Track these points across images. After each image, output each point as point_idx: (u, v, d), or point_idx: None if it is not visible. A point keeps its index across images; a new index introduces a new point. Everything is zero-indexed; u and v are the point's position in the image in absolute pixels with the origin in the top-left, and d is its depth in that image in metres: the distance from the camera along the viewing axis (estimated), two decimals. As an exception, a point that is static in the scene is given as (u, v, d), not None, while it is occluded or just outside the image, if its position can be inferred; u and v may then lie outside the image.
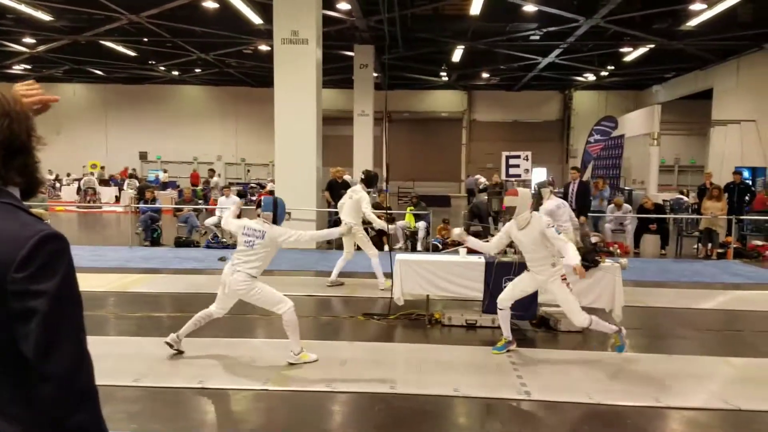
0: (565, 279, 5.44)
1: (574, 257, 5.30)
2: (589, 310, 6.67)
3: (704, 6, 17.83)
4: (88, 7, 18.60)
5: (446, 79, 30.52)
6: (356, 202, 8.27)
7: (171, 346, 5.31)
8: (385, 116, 11.58)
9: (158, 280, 8.98)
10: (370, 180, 8.82)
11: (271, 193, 11.61)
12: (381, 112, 32.81)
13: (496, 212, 7.00)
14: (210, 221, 12.60)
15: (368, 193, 8.84)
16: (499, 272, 6.55)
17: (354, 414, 4.51)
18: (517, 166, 6.77)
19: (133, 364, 5.14)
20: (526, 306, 6.53)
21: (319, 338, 6.07)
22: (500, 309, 5.75)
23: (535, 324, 6.72)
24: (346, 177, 12.97)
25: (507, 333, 5.77)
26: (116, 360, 5.17)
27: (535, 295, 6.52)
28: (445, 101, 35.13)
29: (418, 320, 6.84)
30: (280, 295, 5.30)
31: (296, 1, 11.82)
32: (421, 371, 5.17)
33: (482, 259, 6.71)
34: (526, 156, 6.79)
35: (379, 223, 8.67)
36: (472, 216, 12.47)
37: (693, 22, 19.46)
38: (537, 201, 6.55)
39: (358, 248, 8.64)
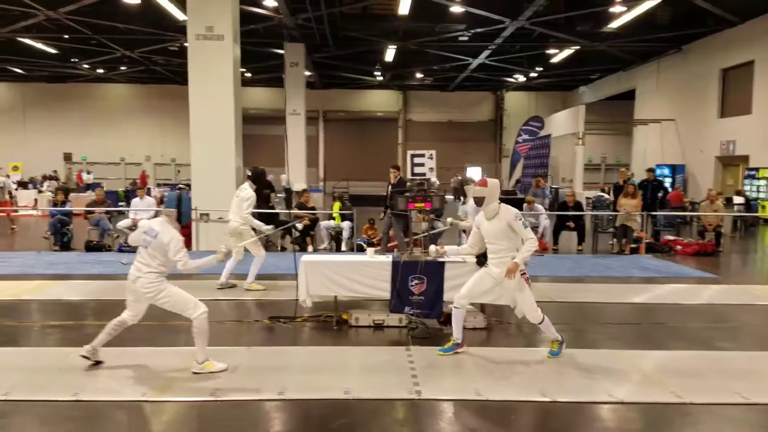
0: (524, 274, 5.39)
1: (522, 254, 5.30)
2: (497, 308, 6.82)
3: (624, 8, 18.45)
4: (2, 2, 17.67)
5: (381, 78, 30.61)
6: (241, 201, 8.03)
7: (87, 358, 4.97)
8: (321, 116, 11.27)
9: (59, 287, 8.51)
10: (257, 177, 8.39)
11: (304, 191, 11.07)
12: (314, 111, 32.73)
13: (403, 212, 6.93)
14: (122, 224, 12.11)
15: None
16: (405, 271, 6.49)
17: (236, 423, 4.33)
18: (422, 164, 6.73)
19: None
20: (433, 304, 6.53)
21: (220, 344, 5.84)
22: (455, 308, 5.62)
23: (443, 322, 6.69)
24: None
25: (457, 334, 5.62)
26: None
27: (440, 292, 6.52)
28: (380, 101, 35.21)
29: (326, 322, 6.71)
30: (193, 298, 5.04)
31: (211, -4, 11.51)
32: (315, 375, 5.03)
33: (388, 258, 6.65)
34: (431, 155, 6.77)
35: (258, 225, 8.25)
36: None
37: (614, 24, 20.16)
38: (459, 198, 6.51)
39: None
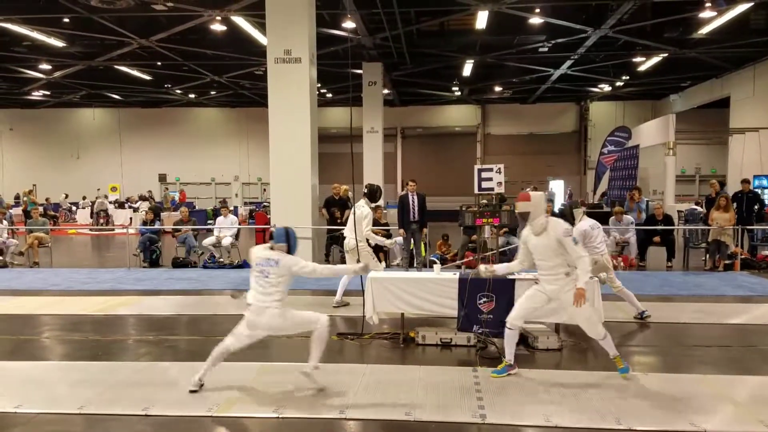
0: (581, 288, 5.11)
1: (583, 277, 5.02)
2: (571, 328, 6.53)
3: (714, 13, 17.47)
4: (100, 32, 19.00)
5: (459, 93, 30.43)
6: (359, 218, 8.00)
7: (195, 391, 5.02)
8: (399, 133, 11.33)
9: (144, 302, 8.94)
10: (372, 194, 8.54)
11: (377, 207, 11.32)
12: (392, 129, 32.97)
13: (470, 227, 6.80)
14: (207, 241, 12.60)
15: (372, 208, 8.54)
16: (473, 289, 6.35)
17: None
18: (490, 179, 6.57)
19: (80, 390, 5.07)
20: (502, 324, 6.31)
21: (287, 359, 5.92)
22: (508, 329, 5.46)
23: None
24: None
25: (510, 356, 5.46)
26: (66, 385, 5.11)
27: (510, 311, 6.31)
28: (458, 116, 35.01)
29: (392, 340, 6.66)
30: (310, 312, 5.21)
31: (289, 21, 11.85)
32: (378, 394, 4.98)
33: (455, 276, 6.53)
34: (499, 169, 6.60)
35: (378, 240, 8.41)
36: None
37: (704, 30, 19.08)
38: (569, 222, 6.25)
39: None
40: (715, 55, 22.46)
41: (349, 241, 8.12)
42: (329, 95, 29.84)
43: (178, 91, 29.83)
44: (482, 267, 5.93)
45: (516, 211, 5.42)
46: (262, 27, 17.22)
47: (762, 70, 23.20)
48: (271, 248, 5.09)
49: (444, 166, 33.20)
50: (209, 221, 19.42)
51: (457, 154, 33.55)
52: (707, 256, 11.72)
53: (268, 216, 12.86)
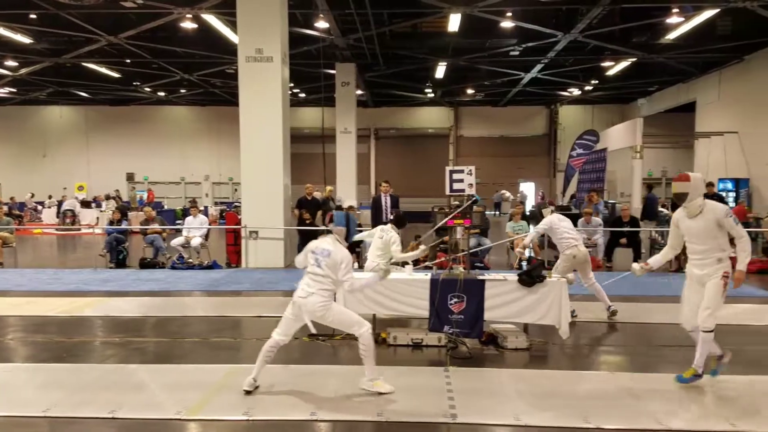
0: (726, 277, 4.97)
1: (744, 259, 4.90)
2: (538, 327, 6.61)
3: (681, 19, 17.85)
4: (67, 29, 18.62)
5: (432, 95, 30.59)
6: (385, 243, 7.69)
7: (249, 392, 4.94)
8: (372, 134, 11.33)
9: (110, 304, 8.77)
10: (399, 220, 8.06)
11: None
12: (365, 129, 32.98)
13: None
14: (176, 242, 12.44)
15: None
16: (444, 289, 6.38)
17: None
18: (461, 180, 6.61)
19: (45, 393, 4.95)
20: (473, 323, 6.38)
21: (254, 361, 5.86)
22: (691, 332, 5.22)
23: (484, 342, 6.53)
24: (316, 194, 12.80)
25: (699, 362, 5.09)
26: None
27: (481, 311, 6.37)
28: (431, 117, 35.19)
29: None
30: (357, 316, 5.14)
31: (260, 19, 11.77)
32: (349, 395, 4.97)
33: (427, 276, 6.55)
34: (470, 171, 6.63)
35: (411, 256, 8.16)
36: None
37: (672, 36, 19.51)
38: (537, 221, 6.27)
39: None
40: (682, 60, 22.98)
41: (371, 264, 7.81)
42: (302, 95, 29.71)
43: (148, 89, 29.38)
44: (636, 266, 5.58)
45: (673, 191, 5.21)
46: (233, 25, 17.08)
47: (727, 75, 23.80)
48: (329, 232, 5.07)
49: (417, 167, 33.33)
50: (178, 221, 19.16)
51: (430, 155, 33.70)
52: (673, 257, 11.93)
53: (239, 216, 12.74)
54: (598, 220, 12.45)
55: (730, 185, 21.80)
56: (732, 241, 5.07)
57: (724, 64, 23.26)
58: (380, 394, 4.90)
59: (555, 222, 7.36)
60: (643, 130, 21.39)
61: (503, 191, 30.66)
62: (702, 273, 5.00)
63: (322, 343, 6.56)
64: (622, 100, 33.26)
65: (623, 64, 23.93)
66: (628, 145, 22.12)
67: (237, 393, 4.93)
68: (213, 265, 12.17)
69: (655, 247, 12.53)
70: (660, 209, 17.48)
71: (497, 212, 31.02)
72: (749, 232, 14.14)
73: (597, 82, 27.53)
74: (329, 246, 5.01)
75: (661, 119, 28.89)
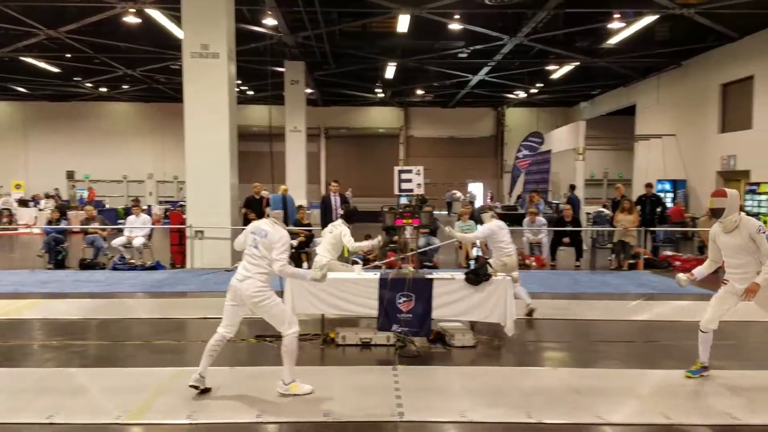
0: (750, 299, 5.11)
1: (763, 275, 4.92)
2: (486, 325, 6.72)
3: (623, 24, 18.45)
4: (4, 22, 17.83)
5: (382, 95, 30.69)
6: (336, 237, 7.72)
7: (197, 387, 4.83)
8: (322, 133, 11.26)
9: (49, 306, 8.44)
10: (350, 216, 8.15)
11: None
12: (315, 128, 32.80)
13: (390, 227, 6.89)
14: (117, 241, 12.08)
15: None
16: (392, 289, 6.41)
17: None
18: (410, 180, 6.66)
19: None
20: (421, 322, 6.43)
21: (195, 364, 5.76)
22: (702, 332, 5.34)
23: (432, 340, 6.59)
24: (264, 193, 12.64)
25: (704, 358, 5.37)
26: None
27: (429, 310, 6.43)
28: (381, 117, 35.31)
29: (312, 341, 6.61)
30: (291, 315, 5.04)
31: (206, 15, 11.56)
32: (296, 396, 4.92)
33: (376, 275, 6.57)
34: (418, 170, 6.69)
35: (366, 246, 8.13)
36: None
37: (613, 40, 20.14)
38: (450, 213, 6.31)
39: None
40: (623, 64, 23.77)
41: (320, 259, 7.76)
42: (250, 92, 29.33)
43: (89, 85, 28.46)
44: (683, 276, 5.54)
45: (710, 206, 5.28)
46: (178, 20, 16.69)
47: (665, 79, 24.74)
48: (268, 216, 4.98)
49: (368, 167, 33.41)
50: (120, 221, 18.59)
51: (381, 155, 33.82)
52: (613, 256, 12.36)
53: (184, 216, 12.47)
54: (542, 219, 12.76)
55: (668, 186, 22.66)
56: None
57: (663, 69, 24.18)
58: (296, 395, 4.84)
59: (495, 230, 7.49)
60: (585, 133, 22.05)
61: (454, 191, 31.05)
62: (743, 287, 5.08)
63: (269, 344, 6.48)
64: (566, 103, 34.16)
65: (567, 68, 24.59)
66: (571, 147, 22.76)
67: (181, 396, 4.82)
68: (156, 266, 11.87)
69: (596, 246, 12.92)
70: (600, 209, 18.06)
71: (449, 212, 31.41)
72: (685, 232, 14.80)
73: (542, 85, 28.20)
74: (267, 227, 4.93)
75: (603, 122, 29.80)
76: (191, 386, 4.82)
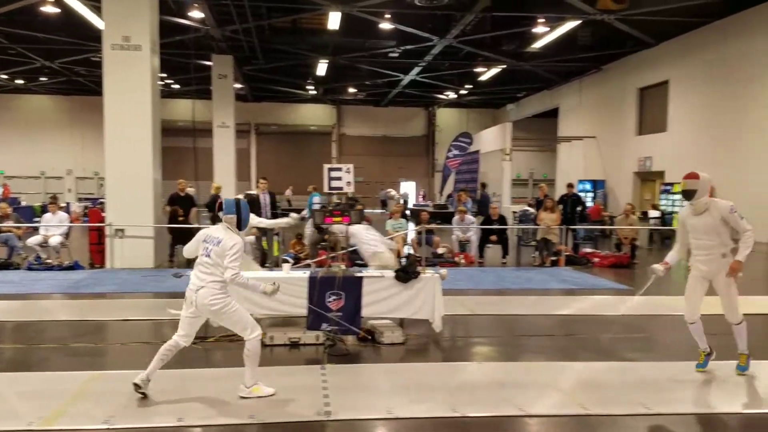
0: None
1: (743, 251, 5.04)
2: (413, 322, 6.78)
3: (547, 29, 19.08)
4: None
5: (314, 92, 30.52)
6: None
7: (139, 386, 4.62)
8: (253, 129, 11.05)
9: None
10: (251, 202, 8.13)
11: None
12: (245, 124, 32.24)
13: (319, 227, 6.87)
14: (33, 240, 11.47)
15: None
16: (322, 287, 6.38)
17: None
18: (339, 178, 6.65)
19: None
20: (351, 320, 6.43)
21: (119, 367, 5.55)
22: (691, 324, 5.39)
23: (361, 338, 6.59)
24: (189, 190, 12.32)
25: (704, 345, 5.43)
26: None
27: (359, 308, 6.44)
28: (314, 115, 35.11)
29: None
30: (251, 318, 4.86)
31: (128, 5, 11.15)
32: (220, 398, 4.82)
33: (305, 274, 6.52)
34: (348, 169, 6.69)
35: (277, 222, 8.15)
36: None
37: (538, 45, 20.82)
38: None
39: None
40: (546, 68, 24.62)
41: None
42: (176, 86, 28.50)
43: (4, 77, 27.02)
44: (659, 267, 5.47)
45: (682, 188, 5.30)
46: (99, 11, 16.05)
47: (587, 83, 25.78)
48: (220, 220, 4.82)
49: (300, 164, 33.12)
50: (36, 218, 17.65)
51: (313, 152, 33.63)
52: (537, 253, 12.77)
53: (104, 213, 11.97)
54: (470, 218, 13.04)
55: (588, 186, 23.62)
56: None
57: (584, 73, 25.19)
58: (260, 397, 4.77)
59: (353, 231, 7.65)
60: (512, 134, 22.74)
61: (389, 190, 31.21)
62: (707, 269, 5.23)
63: (193, 346, 6.30)
64: (494, 104, 35.04)
65: (494, 71, 25.23)
66: (498, 147, 23.40)
67: (98, 401, 4.62)
68: (74, 266, 11.34)
69: (521, 244, 13.31)
70: (526, 208, 18.61)
71: (384, 210, 31.62)
72: (603, 230, 15.47)
73: (471, 86, 28.83)
74: (220, 234, 4.77)
75: (529, 124, 30.78)
76: (134, 384, 4.66)
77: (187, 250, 5.07)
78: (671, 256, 5.56)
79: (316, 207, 9.94)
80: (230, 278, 4.64)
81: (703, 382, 5.28)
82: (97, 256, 11.75)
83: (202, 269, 4.74)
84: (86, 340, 6.54)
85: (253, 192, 8.72)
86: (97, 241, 11.77)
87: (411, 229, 13.57)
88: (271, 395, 4.81)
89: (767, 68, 16.52)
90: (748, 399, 4.95)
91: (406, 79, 26.81)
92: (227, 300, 4.73)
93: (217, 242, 4.71)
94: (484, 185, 18.71)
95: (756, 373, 5.34)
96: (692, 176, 5.22)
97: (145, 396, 4.70)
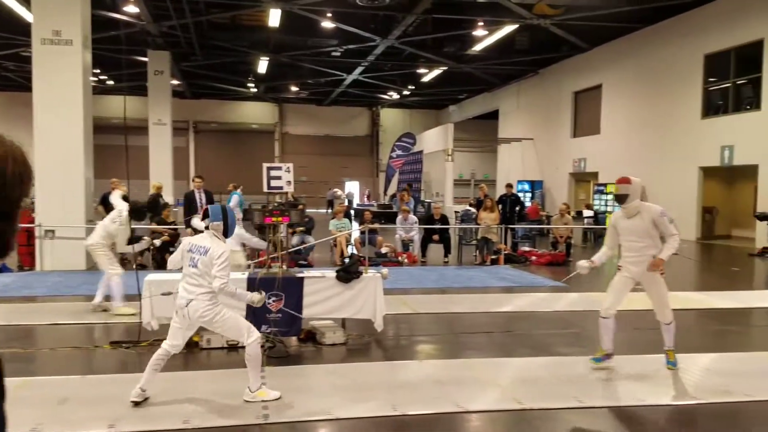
0: (663, 272, 5.33)
1: (666, 251, 5.21)
2: (355, 322, 6.78)
3: (486, 32, 19.43)
4: None
5: (255, 90, 30.07)
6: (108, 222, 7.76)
7: (137, 403, 4.46)
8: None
9: None
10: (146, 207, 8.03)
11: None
12: (183, 122, 31.46)
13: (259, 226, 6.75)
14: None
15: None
16: (261, 288, 6.26)
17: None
18: (279, 178, 6.56)
19: None
20: (291, 321, 6.36)
21: (51, 373, 5.32)
22: (603, 318, 5.47)
23: (302, 339, 6.54)
24: (121, 189, 11.90)
25: (608, 345, 5.49)
26: None
27: (299, 309, 6.38)
28: (255, 113, 34.61)
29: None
30: (247, 322, 4.72)
31: (58, -1, 10.70)
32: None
33: (244, 275, 6.41)
34: (288, 168, 6.60)
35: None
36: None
37: (478, 47, 21.17)
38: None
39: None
40: (487, 71, 25.08)
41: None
42: (110, 82, 27.54)
43: None
44: (584, 263, 5.64)
45: (615, 192, 5.41)
46: (28, 4, 15.33)
47: (525, 86, 26.39)
48: (207, 228, 4.66)
49: (241, 163, 32.53)
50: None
51: (255, 151, 33.12)
52: (477, 252, 12.99)
53: (33, 214, 11.45)
54: (413, 218, 13.15)
55: (527, 186, 24.20)
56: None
57: (522, 76, 25.80)
58: (266, 401, 4.66)
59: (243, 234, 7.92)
60: (453, 135, 23.06)
61: (335, 189, 31.15)
62: (637, 270, 5.38)
63: (126, 351, 6.11)
64: (436, 105, 35.43)
65: (436, 72, 25.52)
66: (441, 148, 23.70)
67: (28, 408, 4.39)
68: (2, 269, 10.79)
69: (462, 243, 13.52)
70: (468, 208, 18.90)
71: (329, 210, 31.49)
72: (541, 229, 15.86)
73: (414, 87, 29.05)
74: (207, 242, 4.63)
75: (470, 125, 31.27)
76: (132, 401, 4.51)
77: (172, 261, 4.95)
78: (598, 257, 5.75)
79: (234, 206, 9.79)
80: (219, 287, 4.54)
81: (633, 376, 5.49)
82: (27, 258, 11.22)
83: (189, 281, 4.62)
84: (15, 346, 6.22)
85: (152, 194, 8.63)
86: (26, 243, 11.24)
87: (354, 229, 13.57)
88: (278, 399, 4.73)
89: (690, 74, 17.34)
90: (676, 392, 5.17)
91: (349, 78, 26.78)
92: (218, 309, 4.64)
93: (204, 251, 4.59)
94: (411, 185, 18.99)
95: (685, 367, 5.58)
96: (624, 181, 5.42)
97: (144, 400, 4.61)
